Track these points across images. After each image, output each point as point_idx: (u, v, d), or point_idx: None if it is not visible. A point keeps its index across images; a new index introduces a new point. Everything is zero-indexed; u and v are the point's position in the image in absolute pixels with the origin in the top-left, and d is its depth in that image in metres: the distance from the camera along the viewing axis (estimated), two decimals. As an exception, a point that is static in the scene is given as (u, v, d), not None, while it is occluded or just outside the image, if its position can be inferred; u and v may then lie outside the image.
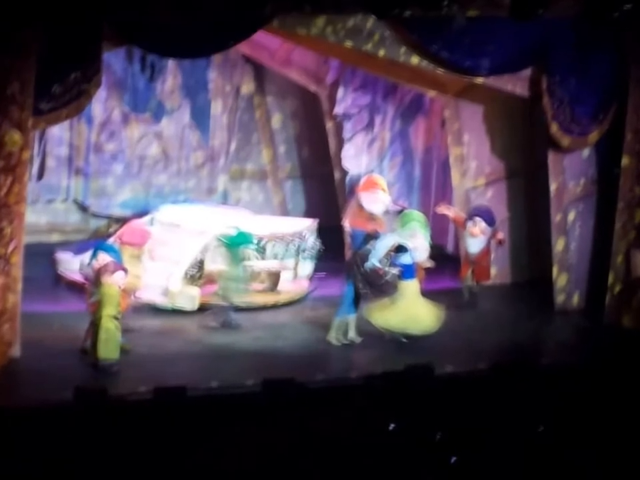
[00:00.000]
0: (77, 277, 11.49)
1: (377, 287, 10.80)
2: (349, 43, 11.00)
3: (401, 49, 11.12)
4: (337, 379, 9.84)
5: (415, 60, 11.24)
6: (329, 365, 10.55)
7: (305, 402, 8.28)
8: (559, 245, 12.30)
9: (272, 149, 15.38)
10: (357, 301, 10.92)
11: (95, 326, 9.93)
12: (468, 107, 13.06)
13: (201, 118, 14.75)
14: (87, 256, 10.69)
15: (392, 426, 7.94)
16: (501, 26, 10.90)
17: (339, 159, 14.55)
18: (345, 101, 14.24)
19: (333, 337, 10.92)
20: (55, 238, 14.01)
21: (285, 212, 15.27)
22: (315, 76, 14.28)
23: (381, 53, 11.13)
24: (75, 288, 11.82)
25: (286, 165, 15.56)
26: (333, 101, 14.31)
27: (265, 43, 13.25)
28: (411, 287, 10.81)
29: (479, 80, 11.71)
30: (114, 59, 13.54)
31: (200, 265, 12.01)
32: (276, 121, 15.40)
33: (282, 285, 12.63)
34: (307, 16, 10.61)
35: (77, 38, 9.73)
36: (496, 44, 11.05)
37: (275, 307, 12.23)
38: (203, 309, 11.64)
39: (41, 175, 14.02)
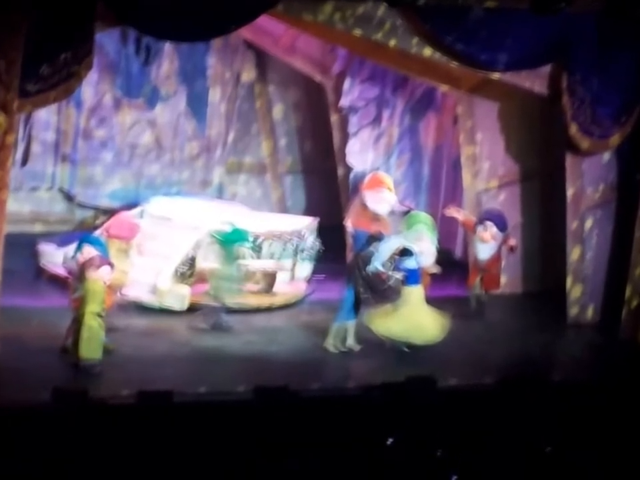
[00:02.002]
0: (60, 271, 11.48)
1: (379, 292, 10.80)
2: (357, 32, 10.97)
3: (413, 40, 11.10)
4: (333, 388, 9.85)
5: (427, 52, 11.24)
6: (325, 374, 10.55)
7: (299, 411, 8.26)
8: (574, 253, 12.26)
9: (272, 141, 15.40)
10: (357, 306, 10.92)
11: (77, 323, 9.92)
12: (482, 104, 13.06)
13: (197, 106, 14.77)
14: (71, 248, 10.68)
15: (390, 441, 7.94)
16: (520, 19, 10.90)
17: (343, 155, 14.52)
18: (352, 93, 14.21)
19: (331, 344, 10.92)
20: (38, 228, 14.04)
21: (283, 209, 15.27)
22: (320, 65, 14.28)
23: (392, 43, 11.10)
24: (57, 282, 11.82)
25: (286, 159, 15.58)
26: (338, 93, 14.30)
27: (269, 29, 13.25)
28: (415, 294, 10.81)
29: (495, 75, 11.69)
30: (107, 40, 13.57)
31: (191, 262, 12.03)
32: (277, 111, 15.42)
33: (278, 287, 12.64)
34: (314, 1, 10.62)
35: (69, 16, 9.71)
36: (515, 38, 11.04)
37: (269, 309, 12.23)
38: (192, 309, 11.65)
39: (25, 161, 14.06)
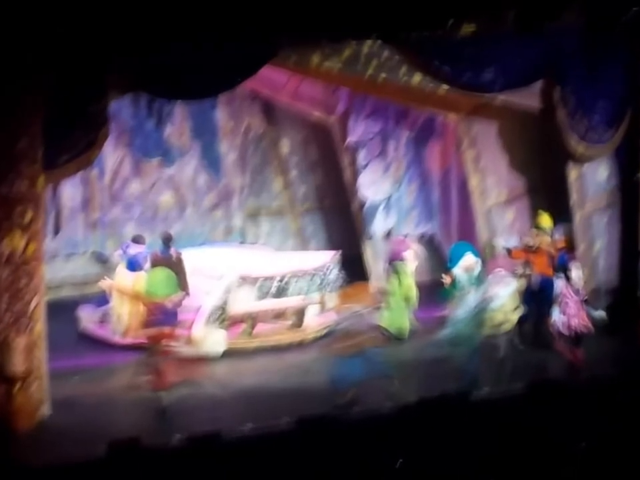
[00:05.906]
0: (101, 331, 11.54)
1: None
2: (347, 73, 11.20)
3: (401, 71, 11.26)
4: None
5: (416, 79, 11.37)
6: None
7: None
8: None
9: (286, 183, 15.69)
10: None
11: None
12: (483, 125, 13.25)
13: (211, 158, 15.08)
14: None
15: (400, 462, 7.68)
16: (508, 40, 10.90)
17: (355, 188, 14.73)
18: (358, 129, 14.50)
19: None
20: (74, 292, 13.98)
21: (305, 246, 15.50)
22: (325, 106, 14.52)
23: (382, 76, 11.29)
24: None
25: (302, 198, 15.81)
26: (345, 130, 14.54)
27: (273, 77, 13.36)
28: None
29: (492, 96, 11.88)
30: (121, 107, 13.70)
31: (223, 307, 12.03)
32: (288, 152, 15.67)
33: (309, 319, 12.63)
34: (303, 53, 10.82)
35: (82, 88, 9.85)
36: (506, 58, 11.05)
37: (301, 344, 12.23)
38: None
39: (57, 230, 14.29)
